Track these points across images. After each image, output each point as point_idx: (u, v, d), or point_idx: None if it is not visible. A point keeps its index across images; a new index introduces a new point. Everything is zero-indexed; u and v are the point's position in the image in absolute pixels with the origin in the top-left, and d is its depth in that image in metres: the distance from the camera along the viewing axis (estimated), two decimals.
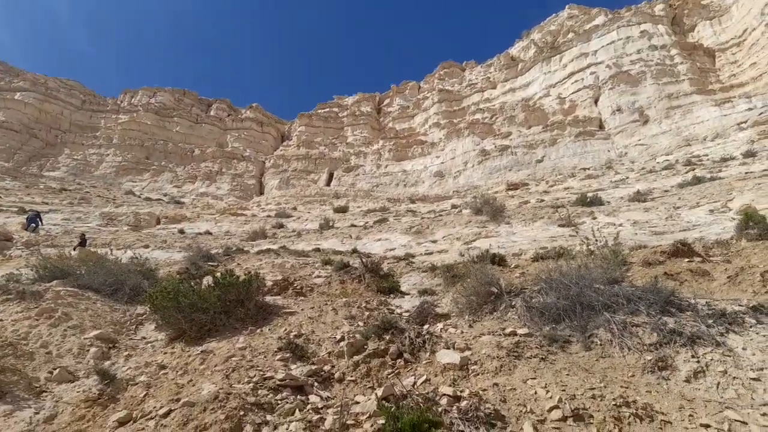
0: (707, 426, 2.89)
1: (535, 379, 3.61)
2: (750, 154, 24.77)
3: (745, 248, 6.75)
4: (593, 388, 3.36)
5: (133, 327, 6.41)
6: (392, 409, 3.13)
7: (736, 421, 2.91)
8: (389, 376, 4.14)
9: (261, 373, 4.15)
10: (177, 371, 4.58)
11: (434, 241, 15.07)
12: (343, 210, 33.71)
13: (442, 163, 50.55)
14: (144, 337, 6.06)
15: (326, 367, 4.42)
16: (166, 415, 3.40)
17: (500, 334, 4.63)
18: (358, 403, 3.57)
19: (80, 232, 19.33)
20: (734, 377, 3.35)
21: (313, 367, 4.37)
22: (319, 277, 8.82)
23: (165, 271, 9.99)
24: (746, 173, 19.31)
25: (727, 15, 46.55)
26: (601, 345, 4.13)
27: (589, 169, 36.33)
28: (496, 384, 3.59)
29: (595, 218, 14.62)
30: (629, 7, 52.59)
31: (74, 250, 13.63)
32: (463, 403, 3.29)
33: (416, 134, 60.72)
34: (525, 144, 45.32)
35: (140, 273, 8.49)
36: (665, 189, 20.49)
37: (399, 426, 2.89)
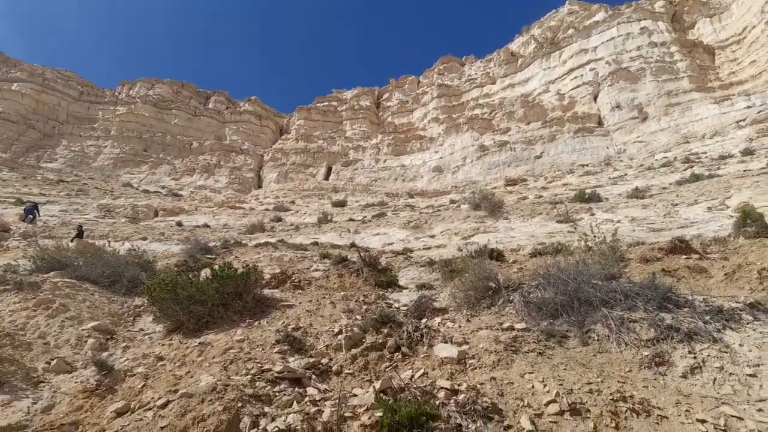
0: (703, 421, 2.91)
1: (532, 373, 3.62)
2: (748, 152, 24.79)
3: (743, 246, 6.77)
4: (590, 383, 3.38)
5: (131, 319, 6.40)
6: (390, 401, 3.15)
7: (732, 416, 2.93)
8: (387, 370, 4.15)
9: (259, 365, 4.15)
10: (175, 363, 4.59)
11: (432, 236, 15.07)
12: (341, 204, 33.67)
13: (441, 158, 50.48)
14: (142, 329, 6.06)
15: (324, 360, 4.43)
16: (164, 406, 3.40)
17: (498, 329, 4.65)
18: (355, 395, 3.58)
19: (77, 223, 19.26)
20: (731, 373, 3.37)
21: (311, 360, 4.38)
22: (317, 270, 8.82)
23: (163, 264, 9.97)
24: (744, 171, 19.34)
25: (727, 12, 46.44)
26: (598, 340, 4.15)
27: (587, 165, 36.33)
28: (493, 378, 3.60)
29: (593, 214, 14.64)
30: (629, 4, 52.37)
31: (71, 241, 13.59)
32: (461, 397, 3.31)
33: (415, 129, 60.58)
34: (524, 140, 45.27)
35: (138, 265, 8.47)
36: (663, 186, 20.52)
37: (397, 418, 2.90)
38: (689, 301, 4.44)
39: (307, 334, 5.14)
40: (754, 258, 5.80)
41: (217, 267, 6.54)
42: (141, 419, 3.33)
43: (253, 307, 6.15)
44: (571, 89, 48.35)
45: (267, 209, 32.23)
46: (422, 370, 3.96)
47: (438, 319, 5.42)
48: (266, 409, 3.39)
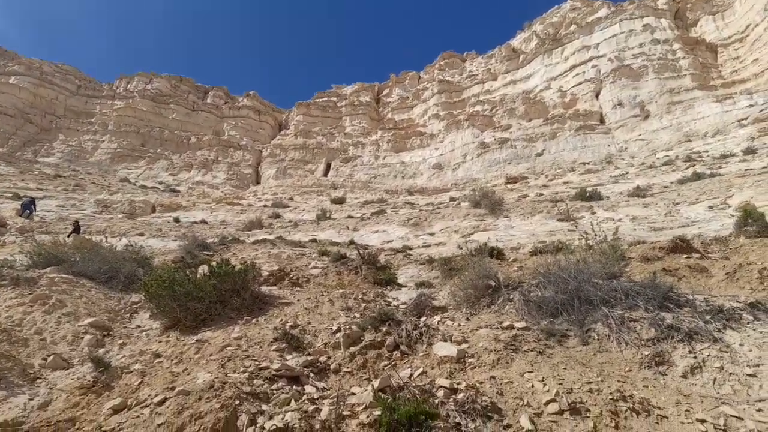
0: (703, 421, 2.90)
1: (532, 372, 3.60)
2: (750, 151, 24.76)
3: (744, 245, 6.75)
4: (590, 382, 3.36)
5: (128, 315, 6.38)
6: (389, 400, 3.12)
7: (731, 416, 2.92)
8: (386, 368, 4.13)
9: (256, 362, 4.13)
10: (172, 360, 4.56)
11: (432, 234, 15.05)
12: (340, 201, 33.63)
13: (441, 155, 50.38)
14: (139, 326, 6.03)
15: (322, 358, 4.41)
16: (161, 403, 3.38)
17: (498, 328, 4.62)
18: (354, 394, 3.56)
19: (74, 219, 19.21)
20: (731, 373, 3.36)
21: (309, 358, 4.36)
22: (315, 268, 8.79)
23: (160, 260, 9.94)
24: (746, 170, 19.32)
25: (730, 10, 46.29)
26: (598, 339, 4.13)
27: (588, 163, 36.29)
28: (493, 377, 3.58)
29: (594, 213, 14.62)
30: (632, 0, 52.17)
31: (68, 237, 13.55)
32: (460, 396, 3.28)
33: (415, 125, 60.44)
34: (525, 137, 45.19)
35: (135, 261, 8.44)
36: (665, 185, 20.50)
37: (395, 417, 2.88)
38: (690, 301, 4.42)
39: (305, 332, 5.12)
40: (755, 257, 5.78)
41: (214, 264, 6.50)
42: (138, 416, 3.31)
43: (250, 304, 6.13)
44: (573, 86, 48.22)
45: (265, 205, 32.19)
46: (421, 369, 3.94)
47: (437, 318, 5.40)
48: (264, 407, 3.37)
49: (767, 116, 31.02)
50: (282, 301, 6.42)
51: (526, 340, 4.23)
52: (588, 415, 3.03)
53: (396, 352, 4.42)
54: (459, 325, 5.07)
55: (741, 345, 3.66)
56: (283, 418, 3.13)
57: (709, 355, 3.58)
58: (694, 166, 24.71)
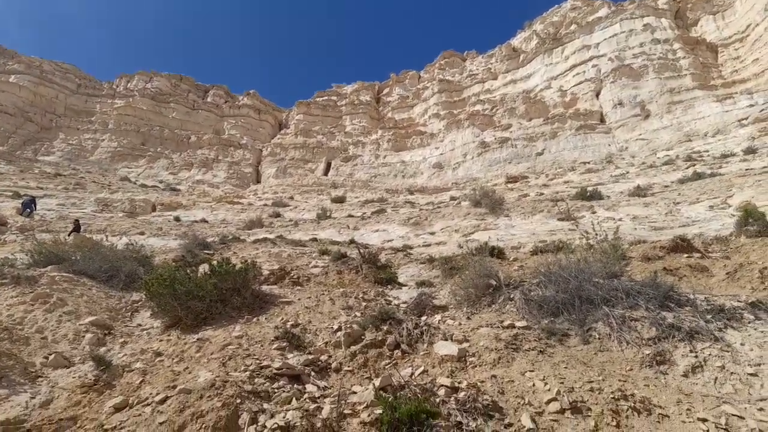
0: (704, 420, 2.90)
1: (533, 371, 3.60)
2: (750, 151, 24.76)
3: (745, 245, 6.75)
4: (591, 381, 3.36)
5: (129, 314, 6.38)
6: (390, 399, 3.12)
7: (733, 415, 2.91)
8: (386, 367, 4.13)
9: (258, 361, 4.13)
10: (173, 358, 4.56)
11: (432, 233, 15.05)
12: (340, 200, 33.65)
13: (442, 154, 50.37)
14: (140, 324, 6.04)
15: (323, 357, 4.41)
16: (163, 401, 3.38)
17: (498, 327, 4.62)
18: (355, 393, 3.56)
19: (74, 217, 19.22)
20: (732, 372, 3.36)
21: (310, 357, 4.36)
22: (316, 267, 8.79)
23: (161, 259, 9.95)
24: (746, 170, 19.32)
25: (730, 10, 46.26)
26: (599, 339, 4.13)
27: (589, 163, 36.29)
28: (494, 376, 3.58)
29: (594, 212, 14.62)
30: (632, 0, 52.15)
31: (69, 236, 13.55)
32: (461, 395, 3.28)
33: (415, 124, 60.43)
34: (525, 136, 45.18)
35: (136, 260, 8.44)
36: (665, 184, 20.50)
37: (397, 416, 2.88)
38: (691, 300, 4.42)
39: (306, 330, 5.12)
40: (755, 257, 5.79)
41: (215, 262, 6.51)
42: (139, 415, 3.31)
43: (251, 303, 6.13)
44: (573, 86, 48.22)
45: (265, 204, 32.20)
46: (422, 368, 3.94)
47: (438, 317, 5.40)
48: (265, 405, 3.37)
49: (767, 116, 31.00)
50: (283, 300, 6.42)
51: (527, 339, 4.23)
52: (589, 414, 3.02)
53: (397, 351, 4.42)
54: (460, 324, 5.07)
55: (742, 344, 3.66)
56: (284, 417, 3.13)
57: (710, 355, 3.58)
58: (694, 165, 24.71)
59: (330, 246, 11.87)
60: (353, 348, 4.49)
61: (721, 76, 41.11)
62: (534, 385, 3.39)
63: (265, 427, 3.05)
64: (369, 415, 3.07)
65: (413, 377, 3.76)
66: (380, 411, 3.02)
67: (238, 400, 3.28)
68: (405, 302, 6.25)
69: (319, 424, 3.06)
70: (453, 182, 43.12)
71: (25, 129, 55.52)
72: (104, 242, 9.66)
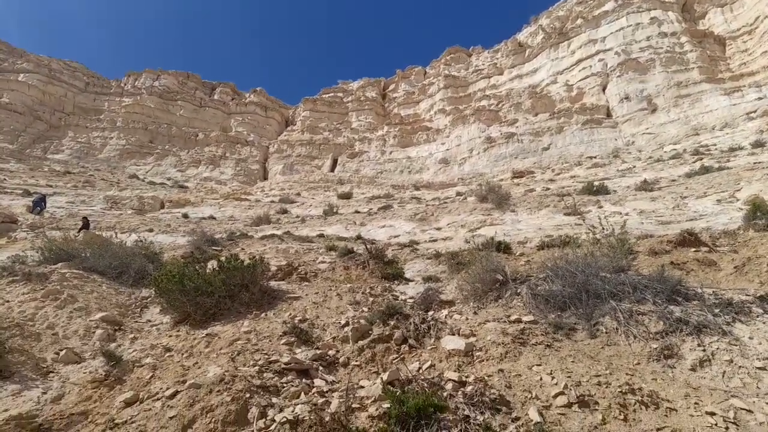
0: (713, 414, 2.89)
1: (540, 365, 3.60)
2: (759, 144, 24.45)
3: (753, 238, 6.69)
4: (599, 375, 3.36)
5: (138, 310, 6.45)
6: (397, 393, 3.14)
7: (741, 409, 2.90)
8: (394, 362, 4.15)
9: (266, 356, 4.17)
10: (182, 354, 4.62)
11: (439, 229, 15.04)
12: (347, 196, 33.69)
13: (448, 150, 50.23)
14: (149, 320, 6.11)
15: (331, 352, 4.44)
16: (173, 396, 3.43)
17: (505, 321, 4.62)
18: (363, 387, 3.58)
19: (83, 215, 19.40)
20: (740, 366, 3.34)
21: (318, 352, 4.40)
22: (323, 262, 8.83)
23: (169, 255, 10.02)
24: (754, 163, 19.07)
25: (738, 2, 45.45)
26: (606, 333, 4.12)
27: (595, 157, 36.01)
28: (501, 370, 3.59)
29: (601, 207, 14.53)
30: None
31: (78, 233, 13.69)
32: (469, 389, 3.30)
33: (421, 120, 60.27)
34: (531, 131, 44.90)
35: (145, 256, 8.52)
36: (672, 178, 20.31)
37: (404, 410, 2.89)
38: (698, 294, 4.39)
39: (314, 326, 5.16)
40: (763, 251, 5.73)
41: (223, 259, 6.56)
42: (150, 409, 3.36)
43: (259, 298, 6.18)
44: (580, 80, 47.79)
45: (273, 201, 32.31)
46: (429, 362, 3.96)
47: (445, 312, 5.41)
48: (274, 399, 3.41)
49: None
50: (290, 295, 6.47)
51: (534, 333, 4.23)
52: (597, 407, 3.03)
53: (404, 345, 4.44)
54: (467, 318, 5.08)
55: (750, 338, 3.64)
56: (293, 411, 3.17)
57: (718, 348, 3.56)
58: (702, 159, 24.43)
59: (337, 242, 11.91)
60: (361, 343, 4.52)
61: (729, 69, 40.53)
62: (541, 379, 3.39)
63: (274, 421, 3.08)
64: (377, 409, 3.10)
65: (420, 371, 3.78)
66: (388, 405, 3.04)
67: (248, 395, 3.32)
68: (412, 297, 6.27)
69: (327, 418, 3.09)
70: (459, 178, 42.99)
71: (35, 127, 56.07)
72: (114, 239, 9.75)
